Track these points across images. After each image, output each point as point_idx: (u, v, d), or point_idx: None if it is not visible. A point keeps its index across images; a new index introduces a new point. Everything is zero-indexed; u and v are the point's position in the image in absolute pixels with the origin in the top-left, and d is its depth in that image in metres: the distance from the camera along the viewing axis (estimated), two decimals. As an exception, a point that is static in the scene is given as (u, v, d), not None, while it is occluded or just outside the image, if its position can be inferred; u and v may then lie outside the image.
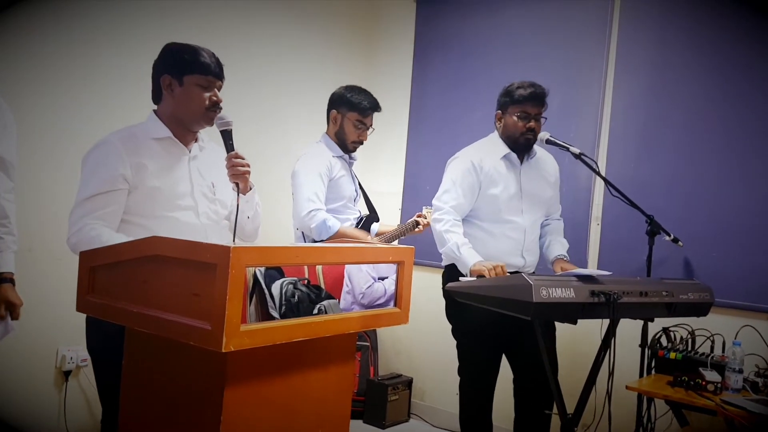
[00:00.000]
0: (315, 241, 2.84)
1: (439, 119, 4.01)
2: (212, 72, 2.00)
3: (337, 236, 2.80)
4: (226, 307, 1.32)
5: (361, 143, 3.03)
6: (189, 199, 2.03)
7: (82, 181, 1.96)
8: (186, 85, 2.00)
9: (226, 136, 2.03)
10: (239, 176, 2.03)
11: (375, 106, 3.01)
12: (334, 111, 3.01)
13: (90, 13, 3.00)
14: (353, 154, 3.08)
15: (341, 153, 3.01)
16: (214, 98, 2.02)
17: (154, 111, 2.08)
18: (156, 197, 1.97)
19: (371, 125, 3.03)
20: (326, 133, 3.05)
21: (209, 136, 2.19)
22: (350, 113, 2.97)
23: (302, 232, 2.90)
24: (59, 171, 2.90)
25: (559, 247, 2.88)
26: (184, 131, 2.07)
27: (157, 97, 2.08)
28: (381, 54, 4.35)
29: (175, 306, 1.42)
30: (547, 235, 2.94)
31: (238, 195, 2.05)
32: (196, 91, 2.00)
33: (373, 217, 3.09)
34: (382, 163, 4.30)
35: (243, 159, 2.03)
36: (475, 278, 2.47)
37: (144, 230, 1.92)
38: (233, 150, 2.02)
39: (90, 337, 1.99)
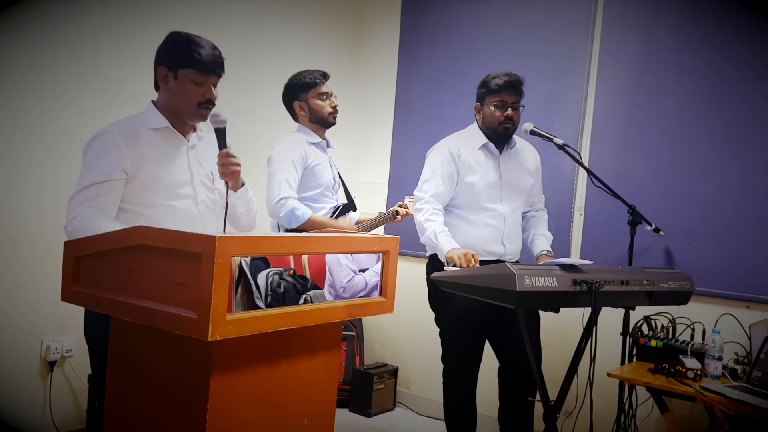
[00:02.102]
0: (287, 230, 2.83)
1: (425, 111, 4.02)
2: (207, 68, 1.98)
3: (309, 224, 2.79)
4: (212, 296, 1.32)
5: (336, 110, 3.00)
6: (188, 188, 2.05)
7: (81, 170, 1.97)
8: (180, 79, 1.99)
9: (220, 134, 2.03)
10: (229, 175, 2.04)
11: (324, 75, 2.99)
12: (295, 102, 3.00)
13: (90, 13, 2.98)
14: (331, 142, 3.06)
15: (318, 139, 2.99)
16: (207, 95, 2.01)
17: (153, 102, 2.08)
18: (155, 186, 1.98)
19: (332, 93, 3.01)
20: (300, 123, 3.03)
21: (208, 126, 2.19)
22: (309, 93, 2.96)
23: (277, 222, 2.89)
24: (44, 164, 2.89)
25: (543, 241, 2.90)
26: (182, 122, 2.07)
27: (157, 86, 2.08)
28: (367, 46, 4.35)
29: (161, 295, 1.42)
30: (531, 229, 2.97)
31: (227, 193, 2.06)
32: (190, 86, 1.99)
33: (350, 206, 3.08)
34: (368, 154, 4.30)
35: (234, 157, 2.03)
36: (458, 267, 2.49)
37: (143, 218, 1.92)
38: (226, 148, 2.03)
39: (88, 326, 1.99)
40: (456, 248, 2.59)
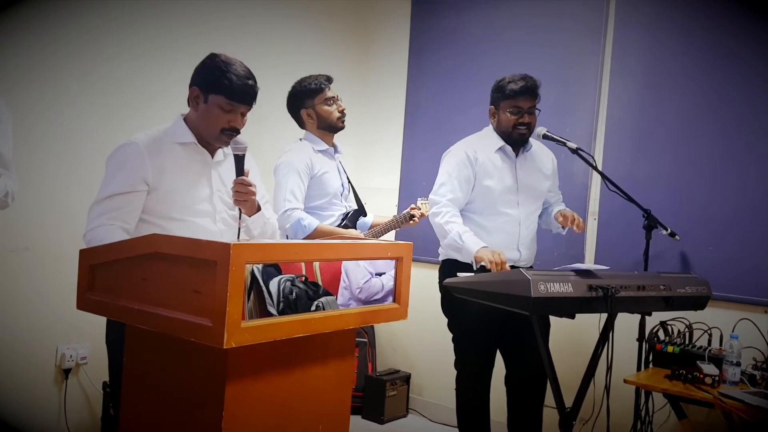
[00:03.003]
0: None
1: (435, 115, 4.02)
2: (236, 97, 1.98)
3: (316, 234, 2.75)
4: (227, 303, 1.32)
5: (344, 114, 2.96)
6: (207, 205, 2.06)
7: (104, 179, 1.98)
8: (209, 104, 1.99)
9: (239, 160, 2.03)
10: (242, 202, 2.04)
11: (328, 79, 2.95)
12: (303, 110, 2.94)
13: (90, 13, 2.99)
14: (339, 147, 3.01)
15: (325, 146, 2.94)
16: (233, 123, 2.01)
17: (182, 115, 2.09)
18: (174, 201, 1.99)
19: (338, 97, 2.96)
20: (307, 130, 2.98)
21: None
22: (316, 99, 2.91)
23: (285, 234, 2.87)
24: (58, 171, 2.91)
25: (560, 206, 2.95)
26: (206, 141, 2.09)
27: (189, 102, 2.08)
28: (376, 51, 4.35)
29: (176, 303, 1.42)
30: (551, 207, 2.99)
31: (240, 217, 2.07)
32: (217, 112, 1.99)
33: (360, 212, 3.05)
34: (378, 159, 4.30)
35: (250, 185, 2.03)
36: (472, 273, 2.48)
37: (162, 231, 1.93)
38: (242, 174, 2.03)
39: (109, 331, 2.00)
40: (485, 248, 2.57)
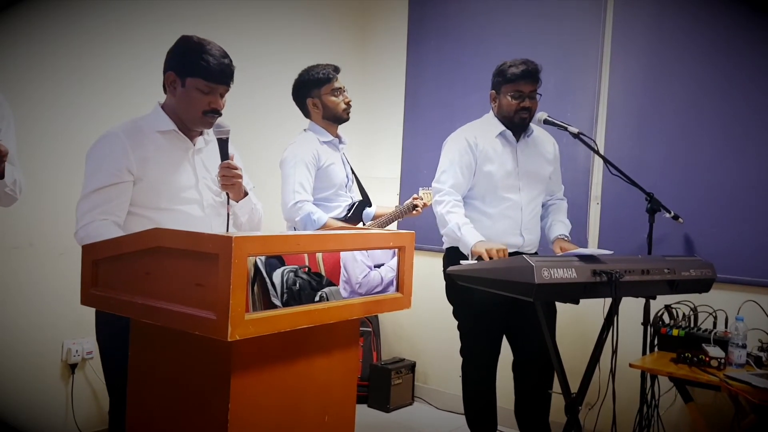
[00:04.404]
0: None
1: (435, 103, 4.00)
2: (214, 78, 1.96)
3: (325, 229, 2.73)
4: (231, 296, 1.32)
5: (349, 106, 2.95)
6: (193, 192, 2.03)
7: (87, 173, 1.95)
8: (187, 87, 1.97)
9: (222, 144, 2.01)
10: (229, 186, 2.03)
11: (335, 69, 2.93)
12: (308, 99, 2.93)
13: (90, 13, 2.98)
14: (343, 138, 3.00)
15: (330, 137, 2.93)
16: (213, 104, 1.99)
17: (160, 103, 2.07)
18: (160, 190, 1.97)
19: (344, 88, 2.95)
20: (312, 120, 2.97)
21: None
22: (323, 89, 2.89)
23: (293, 226, 2.86)
24: (60, 168, 2.90)
25: (560, 227, 2.87)
26: (188, 127, 2.06)
27: (165, 89, 2.06)
28: (375, 39, 4.33)
29: (179, 297, 1.42)
30: (550, 215, 2.94)
31: (228, 203, 2.05)
32: (196, 95, 1.97)
33: (365, 202, 3.04)
34: (379, 148, 4.29)
35: (236, 169, 2.02)
36: (476, 261, 2.47)
37: (150, 222, 1.92)
38: (227, 158, 2.01)
39: (100, 330, 1.99)
40: (482, 241, 2.56)
